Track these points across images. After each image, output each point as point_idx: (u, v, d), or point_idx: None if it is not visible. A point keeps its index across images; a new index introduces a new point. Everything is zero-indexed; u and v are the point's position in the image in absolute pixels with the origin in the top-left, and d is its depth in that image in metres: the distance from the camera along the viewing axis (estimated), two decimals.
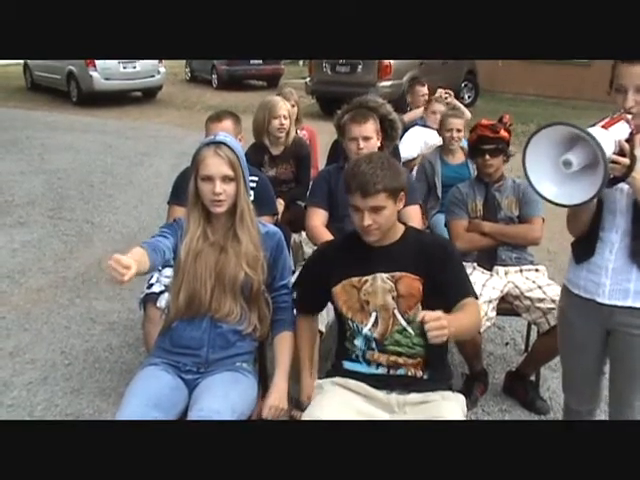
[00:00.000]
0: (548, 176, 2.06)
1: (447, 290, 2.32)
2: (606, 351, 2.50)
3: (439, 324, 2.02)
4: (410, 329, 2.36)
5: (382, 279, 2.37)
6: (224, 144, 2.45)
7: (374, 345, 2.39)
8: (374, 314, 2.38)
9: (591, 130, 1.98)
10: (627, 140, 2.09)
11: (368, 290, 2.38)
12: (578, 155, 1.98)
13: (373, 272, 2.38)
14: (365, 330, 2.39)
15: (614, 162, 2.06)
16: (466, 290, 2.40)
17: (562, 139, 2.01)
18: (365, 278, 2.39)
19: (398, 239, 2.44)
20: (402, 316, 2.36)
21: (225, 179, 2.42)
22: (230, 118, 3.65)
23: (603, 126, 2.07)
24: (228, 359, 2.51)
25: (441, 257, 2.39)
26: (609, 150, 2.02)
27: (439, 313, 2.05)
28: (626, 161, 2.07)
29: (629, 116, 2.14)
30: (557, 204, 2.08)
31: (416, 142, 5.34)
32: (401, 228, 2.47)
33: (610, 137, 2.03)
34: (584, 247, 2.41)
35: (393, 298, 2.36)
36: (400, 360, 2.37)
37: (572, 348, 2.59)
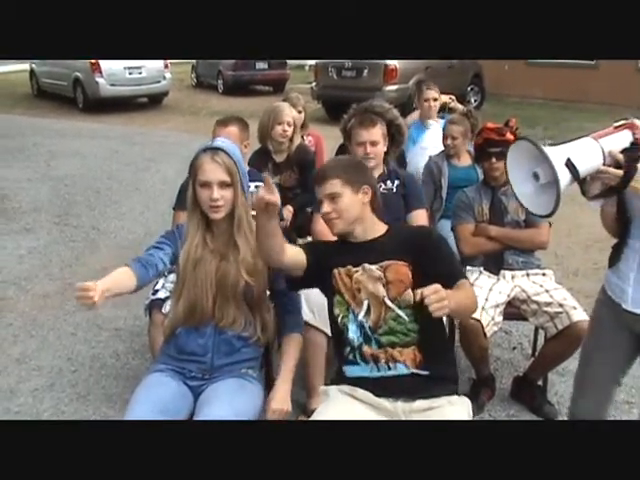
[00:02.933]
0: (524, 182, 2.11)
1: (438, 277, 2.26)
2: (631, 359, 2.47)
3: (438, 296, 2.04)
4: (404, 315, 2.36)
5: (371, 269, 2.40)
6: (221, 150, 2.45)
7: (369, 334, 2.39)
8: (366, 302, 2.40)
9: (571, 143, 2.04)
10: (627, 149, 2.08)
11: (359, 279, 2.41)
12: (545, 169, 2.01)
13: (362, 263, 2.41)
14: (360, 317, 2.39)
15: (603, 172, 2.06)
16: (457, 274, 2.42)
17: (536, 153, 2.04)
18: (356, 269, 2.42)
19: (382, 234, 2.50)
20: (393, 302, 2.37)
21: (222, 185, 2.42)
22: (237, 124, 3.66)
23: (596, 136, 2.09)
24: (233, 365, 2.50)
25: (426, 243, 2.44)
26: (594, 161, 2.04)
27: (437, 286, 2.07)
28: (617, 172, 2.05)
29: (638, 122, 2.13)
30: (529, 211, 2.18)
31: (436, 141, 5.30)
32: (383, 227, 2.53)
33: (597, 148, 2.06)
34: (613, 252, 2.41)
35: (383, 285, 2.38)
36: (396, 352, 2.36)
37: (597, 346, 2.55)
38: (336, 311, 2.46)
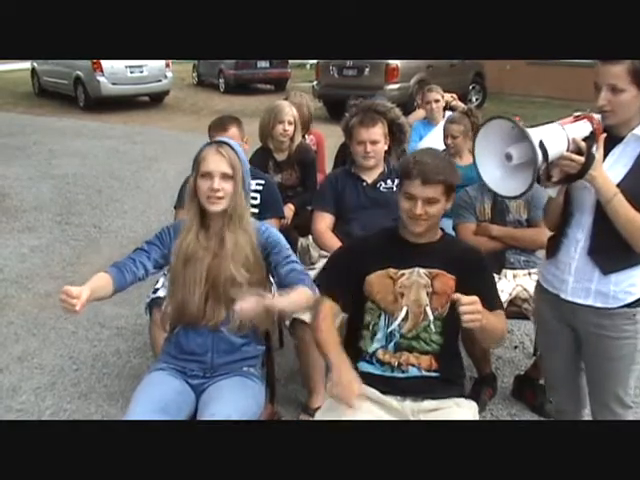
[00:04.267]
0: (494, 164, 2.12)
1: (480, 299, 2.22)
2: (579, 350, 2.52)
3: (475, 307, 2.04)
4: (432, 326, 2.36)
5: (419, 274, 2.36)
6: (226, 144, 2.46)
7: (394, 340, 2.37)
8: (405, 308, 2.37)
9: (541, 127, 2.07)
10: (587, 138, 2.14)
11: (404, 283, 2.37)
12: (519, 150, 2.04)
13: (412, 266, 2.37)
14: (395, 323, 2.37)
15: (569, 159, 2.11)
16: (496, 303, 2.40)
17: (509, 133, 2.07)
18: (403, 271, 2.38)
19: (437, 240, 2.45)
20: (432, 313, 2.36)
21: (224, 177, 2.41)
22: (234, 125, 3.64)
23: (562, 124, 2.14)
24: (234, 364, 2.50)
25: (475, 265, 2.42)
26: (560, 147, 2.09)
27: (475, 297, 2.06)
28: (579, 159, 2.10)
29: (597, 116, 2.20)
30: (495, 192, 2.19)
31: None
32: (439, 232, 2.48)
33: (563, 135, 2.10)
34: (553, 243, 2.46)
35: (427, 294, 2.36)
36: (412, 357, 2.36)
37: (547, 346, 2.65)
38: (367, 318, 2.42)
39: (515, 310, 3.51)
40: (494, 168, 2.12)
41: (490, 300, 2.33)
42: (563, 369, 2.60)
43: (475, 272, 2.39)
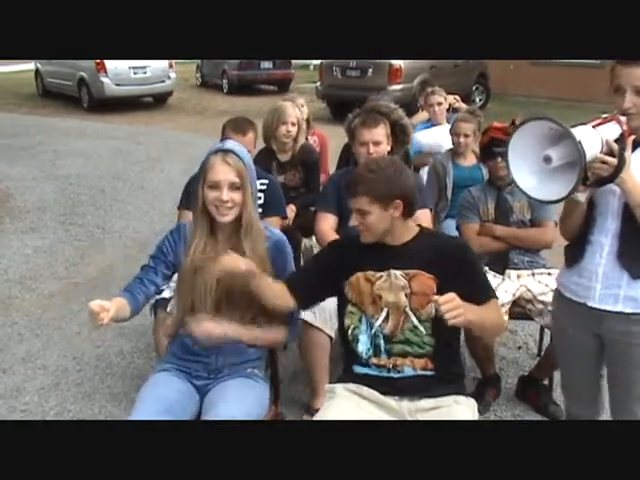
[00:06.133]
0: (529, 169, 2.05)
1: (466, 294, 2.20)
2: (601, 355, 2.47)
3: (453, 304, 2.03)
4: (422, 328, 2.34)
5: (396, 276, 2.35)
6: (232, 152, 2.42)
7: (382, 343, 2.37)
8: (385, 309, 2.36)
9: (578, 128, 1.98)
10: (617, 141, 2.08)
11: (382, 285, 2.36)
12: (559, 152, 1.98)
13: (388, 268, 2.36)
14: (376, 325, 2.36)
15: (602, 162, 2.05)
16: (486, 293, 2.37)
17: (547, 134, 2.00)
18: (380, 274, 2.37)
19: (411, 239, 2.41)
20: (414, 314, 2.34)
21: (232, 186, 2.38)
22: (252, 130, 3.66)
23: (593, 126, 2.07)
24: (239, 365, 2.50)
25: (458, 259, 2.37)
26: (595, 149, 2.02)
27: (451, 294, 2.06)
28: (613, 161, 2.05)
29: (623, 118, 2.14)
30: (533, 198, 2.08)
31: (440, 138, 5.29)
32: (414, 229, 2.44)
33: (597, 136, 2.03)
34: (574, 250, 2.39)
35: (406, 295, 2.34)
36: (407, 361, 2.36)
37: (566, 354, 2.58)
38: (347, 322, 2.43)
39: (519, 311, 3.51)
40: (530, 173, 2.04)
41: (480, 291, 2.33)
42: (583, 377, 2.55)
43: (458, 266, 2.33)
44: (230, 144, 2.49)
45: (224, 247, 2.44)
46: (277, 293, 2.40)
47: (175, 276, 3.22)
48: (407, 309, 2.34)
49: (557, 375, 3.66)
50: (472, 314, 2.11)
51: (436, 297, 2.07)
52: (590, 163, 2.02)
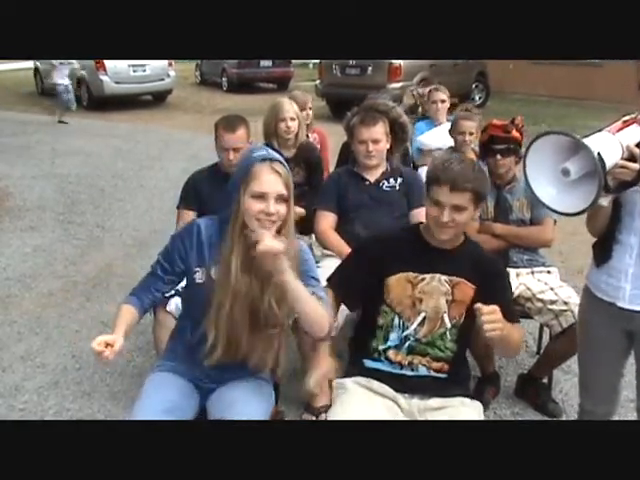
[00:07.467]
0: (548, 181, 2.03)
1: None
2: (626, 353, 2.47)
3: (496, 317, 2.02)
4: (449, 334, 2.35)
5: (440, 280, 2.34)
6: (279, 161, 2.24)
7: (408, 344, 2.36)
8: (423, 314, 2.35)
9: (593, 137, 1.96)
10: (639, 144, 2.06)
11: (424, 289, 2.34)
12: (577, 164, 1.95)
13: (433, 272, 2.34)
14: (411, 328, 2.35)
15: (622, 167, 2.03)
16: (514, 315, 2.39)
17: (563, 147, 1.98)
18: (423, 276, 2.35)
19: (459, 245, 2.41)
20: (450, 321, 2.34)
21: (279, 198, 2.20)
22: (243, 126, 3.63)
23: (611, 130, 2.05)
24: (242, 364, 2.47)
25: (495, 275, 2.40)
26: (615, 157, 2.00)
27: (495, 307, 2.04)
28: (635, 166, 2.04)
29: None
30: (555, 211, 2.06)
31: (444, 138, 5.28)
32: (462, 236, 2.43)
33: (617, 144, 2.01)
34: (602, 250, 2.39)
35: (447, 302, 2.34)
36: (424, 360, 2.37)
37: (591, 347, 2.56)
38: (380, 321, 2.40)
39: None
40: (548, 185, 2.02)
41: (509, 311, 2.30)
42: (605, 373, 2.54)
43: (495, 281, 2.36)
44: (272, 152, 2.29)
45: (260, 267, 2.16)
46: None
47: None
48: (445, 315, 2.34)
49: (556, 373, 3.67)
50: (506, 330, 2.10)
51: (479, 305, 2.05)
52: (611, 169, 2.00)
